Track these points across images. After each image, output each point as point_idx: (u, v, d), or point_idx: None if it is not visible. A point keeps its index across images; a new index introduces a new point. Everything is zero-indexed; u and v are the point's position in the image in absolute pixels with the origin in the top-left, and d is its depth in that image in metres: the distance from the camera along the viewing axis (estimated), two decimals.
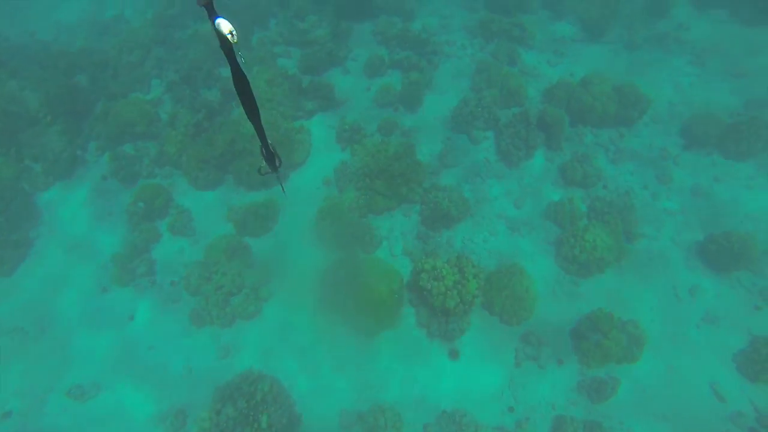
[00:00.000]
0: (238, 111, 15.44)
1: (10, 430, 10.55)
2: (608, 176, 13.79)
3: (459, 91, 15.89)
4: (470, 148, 14.62)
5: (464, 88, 15.96)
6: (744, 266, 11.50)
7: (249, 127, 14.64)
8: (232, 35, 3.77)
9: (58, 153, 14.46)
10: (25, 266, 12.86)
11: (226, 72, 17.14)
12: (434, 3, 19.35)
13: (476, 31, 17.88)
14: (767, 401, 9.93)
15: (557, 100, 15.09)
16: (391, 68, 16.91)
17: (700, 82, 15.34)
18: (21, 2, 19.63)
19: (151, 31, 18.11)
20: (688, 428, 9.81)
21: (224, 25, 3.76)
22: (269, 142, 5.26)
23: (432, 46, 17.33)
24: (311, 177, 14.04)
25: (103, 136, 15.18)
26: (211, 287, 11.52)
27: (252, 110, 4.40)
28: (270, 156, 5.39)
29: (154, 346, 11.46)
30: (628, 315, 10.97)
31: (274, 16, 18.89)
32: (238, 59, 3.89)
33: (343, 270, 11.61)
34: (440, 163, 14.30)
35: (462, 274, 10.06)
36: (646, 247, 12.32)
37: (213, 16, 3.81)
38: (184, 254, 12.92)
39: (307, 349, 11.21)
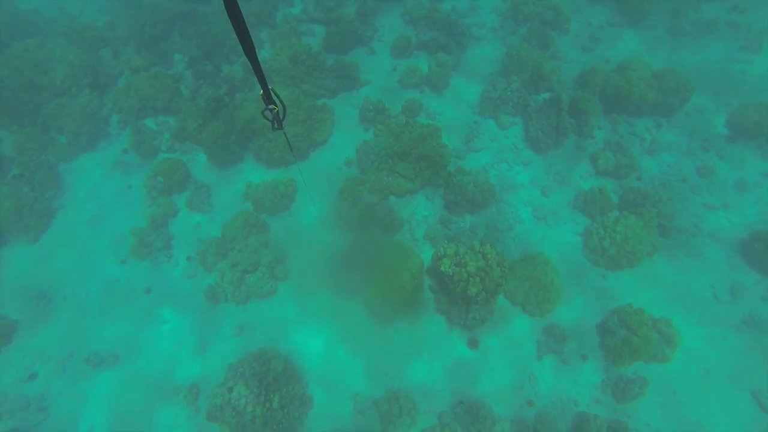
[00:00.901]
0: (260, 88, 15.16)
1: (36, 390, 10.71)
2: (643, 167, 13.06)
3: (487, 74, 15.28)
4: (498, 133, 14.04)
5: (493, 72, 15.33)
6: None
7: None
8: None
9: (81, 125, 14.44)
10: (48, 235, 12.94)
11: None
12: None
13: (507, 14, 17.12)
14: None
15: (591, 87, 14.36)
16: (418, 49, 16.37)
17: (753, 69, 14.28)
18: None
19: (175, 5, 17.89)
20: None
21: None
22: (270, 87, 4.47)
23: (461, 28, 16.68)
24: (333, 157, 13.70)
25: (125, 110, 15.09)
26: (227, 264, 11.34)
27: (245, 41, 3.46)
28: (272, 102, 4.65)
29: (169, 320, 11.38)
30: (660, 312, 10.36)
31: None
32: None
33: (361, 252, 11.27)
34: (466, 147, 13.80)
35: (486, 260, 9.60)
36: (683, 242, 11.62)
37: None
38: (201, 230, 12.79)
39: (322, 332, 10.97)
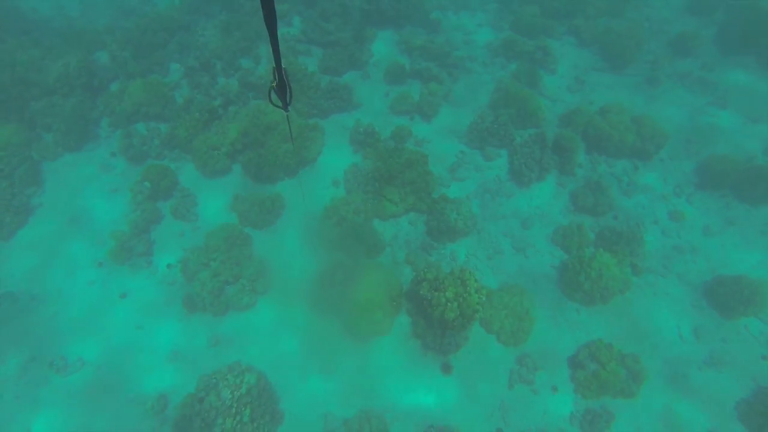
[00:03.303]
0: (255, 103, 15.42)
1: None
2: (619, 207, 13.64)
3: (476, 106, 15.86)
4: (482, 164, 14.50)
5: (482, 105, 15.92)
6: (753, 313, 11.26)
7: (263, 119, 14.13)
8: None
9: (70, 125, 14.37)
10: (23, 232, 12.68)
11: (246, 63, 17.25)
12: (460, 19, 19.49)
13: (499, 50, 17.93)
14: None
15: (574, 126, 15.03)
16: (411, 77, 16.90)
17: (720, 123, 15.25)
18: None
19: (177, 15, 18.18)
20: None
21: None
22: (283, 68, 4.31)
23: (453, 60, 17.36)
24: (320, 176, 13.91)
25: (117, 113, 15.12)
26: (208, 274, 11.31)
27: (270, 14, 3.44)
28: (282, 84, 4.47)
29: (143, 326, 11.21)
30: (629, 349, 10.70)
31: (299, 14, 18.97)
32: None
33: (343, 272, 11.39)
34: (451, 175, 14.19)
35: (464, 287, 9.85)
36: (652, 281, 12.10)
37: None
38: (184, 238, 12.74)
39: (297, 348, 10.96)
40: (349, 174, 13.60)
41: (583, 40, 18.44)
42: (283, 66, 4.38)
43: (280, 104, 4.83)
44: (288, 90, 4.65)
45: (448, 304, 9.66)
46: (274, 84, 4.54)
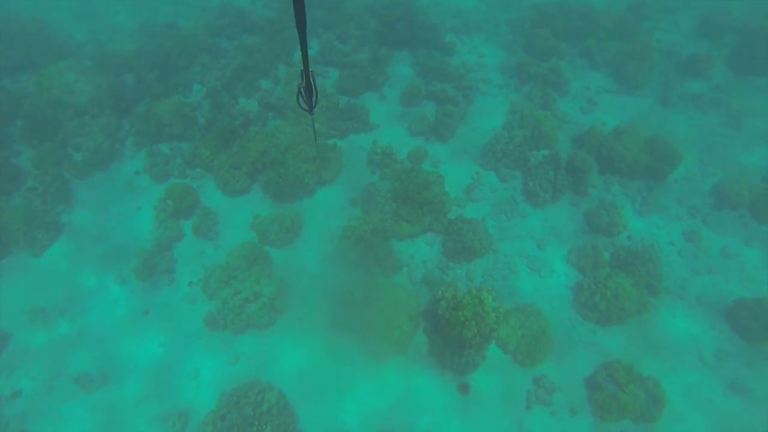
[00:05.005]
0: (274, 123, 15.86)
1: (18, 410, 10.52)
2: (634, 228, 13.71)
3: (491, 128, 16.12)
4: (497, 185, 14.70)
5: (496, 126, 16.18)
6: None
7: (283, 138, 14.50)
8: None
9: (98, 145, 14.90)
10: (53, 249, 13.07)
11: (266, 84, 17.80)
12: (474, 41, 19.92)
13: (512, 72, 18.26)
14: None
15: (588, 147, 15.20)
16: (426, 99, 17.27)
17: (734, 144, 15.35)
18: (87, 5, 20.86)
19: (200, 38, 18.87)
20: None
21: None
22: (311, 70, 4.55)
23: (468, 82, 17.71)
24: (338, 195, 14.22)
25: (142, 133, 15.65)
26: (229, 292, 11.56)
27: (301, 19, 3.63)
28: (308, 87, 4.69)
29: (165, 344, 11.45)
30: (648, 371, 10.65)
31: (317, 36, 19.55)
32: None
33: (361, 291, 11.56)
34: (467, 196, 14.39)
35: (482, 306, 9.97)
36: (670, 303, 12.08)
37: None
38: (205, 256, 13.04)
39: (315, 367, 11.08)
40: (367, 194, 13.86)
41: (595, 63, 18.73)
42: (311, 69, 4.58)
43: (306, 107, 5.04)
44: (314, 92, 4.84)
45: (466, 322, 9.78)
46: (303, 85, 4.77)
